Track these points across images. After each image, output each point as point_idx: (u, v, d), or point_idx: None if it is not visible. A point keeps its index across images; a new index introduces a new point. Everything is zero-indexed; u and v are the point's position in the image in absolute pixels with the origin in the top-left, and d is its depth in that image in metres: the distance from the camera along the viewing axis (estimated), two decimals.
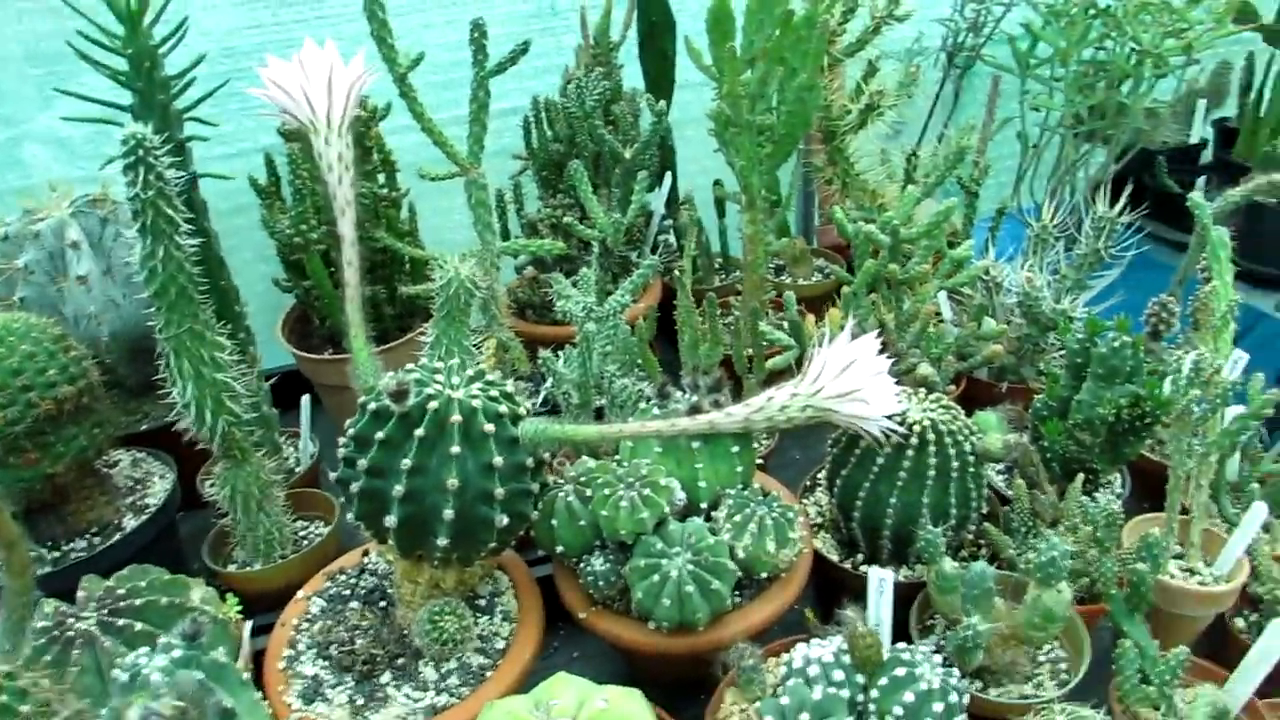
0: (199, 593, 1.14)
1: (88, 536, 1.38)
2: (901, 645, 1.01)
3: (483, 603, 1.21)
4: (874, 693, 0.95)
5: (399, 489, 1.02)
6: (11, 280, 1.48)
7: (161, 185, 1.14)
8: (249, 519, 1.39)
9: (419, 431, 1.02)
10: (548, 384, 1.48)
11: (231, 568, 1.42)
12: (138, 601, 1.06)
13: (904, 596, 1.19)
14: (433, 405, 1.04)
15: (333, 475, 1.09)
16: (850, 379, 1.12)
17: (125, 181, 1.13)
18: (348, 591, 1.24)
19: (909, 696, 0.93)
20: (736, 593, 1.16)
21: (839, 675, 0.97)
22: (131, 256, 1.19)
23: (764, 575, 1.14)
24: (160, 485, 1.46)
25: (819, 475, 1.41)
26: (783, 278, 1.99)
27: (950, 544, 1.25)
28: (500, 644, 1.15)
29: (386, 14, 1.39)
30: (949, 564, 1.12)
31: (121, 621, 1.03)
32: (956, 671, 0.98)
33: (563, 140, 1.73)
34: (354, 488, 1.06)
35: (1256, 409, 1.17)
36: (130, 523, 1.39)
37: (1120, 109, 1.98)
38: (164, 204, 1.15)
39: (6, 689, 0.83)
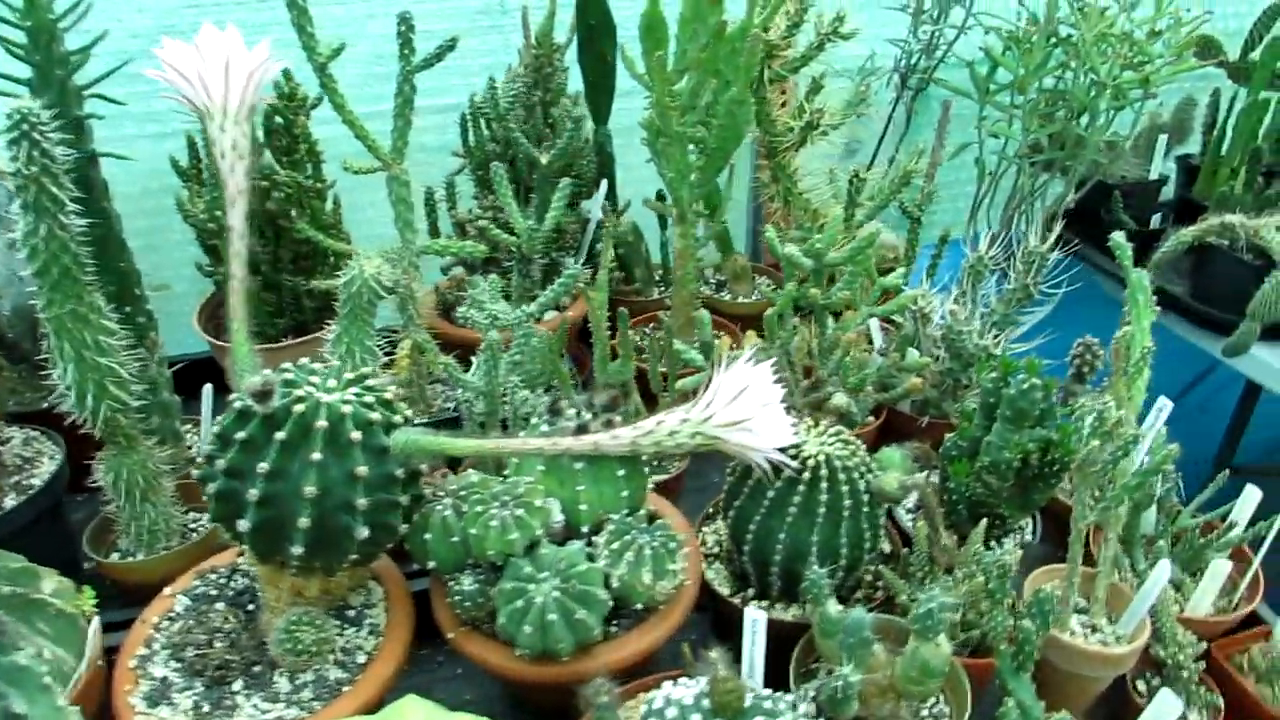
0: (51, 584, 1.10)
1: None
2: (767, 692, 0.97)
3: (352, 613, 1.17)
4: None
5: (254, 492, 0.98)
6: None
7: (47, 162, 1.09)
8: (133, 508, 1.35)
9: (280, 435, 0.98)
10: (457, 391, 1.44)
11: (114, 556, 1.38)
12: None
13: (791, 637, 1.15)
14: (298, 408, 1.00)
15: (193, 473, 1.05)
16: (741, 407, 1.08)
17: (9, 157, 1.09)
18: (215, 592, 1.19)
19: None
20: (615, 623, 1.13)
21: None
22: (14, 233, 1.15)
23: (639, 606, 1.10)
24: (48, 466, 1.42)
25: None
26: (723, 294, 1.95)
27: (844, 585, 1.22)
28: (362, 659, 1.11)
29: (307, 2, 1.35)
30: (833, 607, 1.08)
31: None
32: None
33: (498, 141, 1.69)
34: (210, 488, 1.01)
35: (1157, 463, 1.13)
36: (9, 502, 1.35)
37: (1078, 140, 1.95)
38: (49, 181, 1.10)
39: None
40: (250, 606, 1.17)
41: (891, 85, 1.98)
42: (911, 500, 1.41)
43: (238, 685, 1.08)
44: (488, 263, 1.68)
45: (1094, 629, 1.24)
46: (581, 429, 1.12)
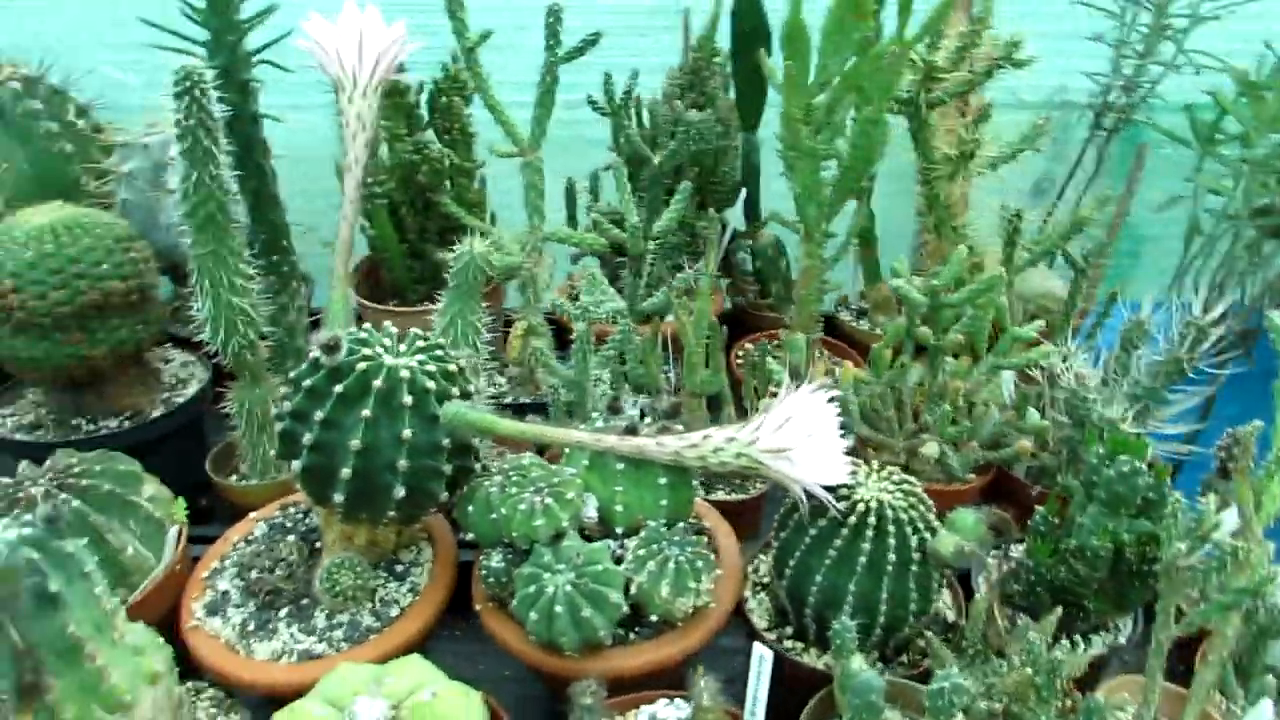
0: (150, 489, 1.23)
1: (120, 418, 1.52)
2: None
3: (400, 569, 1.23)
4: None
5: (308, 437, 1.06)
6: (120, 183, 1.65)
7: (204, 117, 1.22)
8: (252, 437, 1.48)
9: (338, 387, 1.05)
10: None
11: (233, 478, 1.53)
12: (84, 482, 1.15)
13: (816, 685, 1.10)
14: (361, 366, 1.06)
15: (273, 411, 1.14)
16: (787, 435, 1.04)
17: (172, 110, 1.23)
18: (290, 524, 1.29)
19: None
20: (636, 629, 1.12)
21: None
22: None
23: (655, 618, 1.09)
24: (194, 388, 1.59)
25: None
26: (862, 322, 1.87)
27: (885, 643, 1.14)
28: (395, 612, 1.16)
29: None
30: (857, 662, 1.02)
31: (62, 496, 1.13)
32: None
33: (647, 139, 1.71)
34: (278, 426, 1.10)
35: (1257, 583, 0.97)
36: (155, 413, 1.52)
37: None
38: (203, 134, 1.23)
39: None
40: (317, 544, 1.26)
41: (1081, 121, 1.81)
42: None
43: (283, 612, 1.16)
44: (620, 260, 1.70)
45: None
46: (630, 430, 1.12)
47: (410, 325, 1.15)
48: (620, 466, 1.11)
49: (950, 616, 1.23)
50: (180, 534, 1.22)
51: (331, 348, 1.06)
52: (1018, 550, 1.32)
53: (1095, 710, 0.95)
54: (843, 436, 1.09)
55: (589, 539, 1.11)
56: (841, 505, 1.08)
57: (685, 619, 1.10)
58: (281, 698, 0.99)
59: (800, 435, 1.04)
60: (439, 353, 1.13)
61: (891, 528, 1.07)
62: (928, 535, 1.09)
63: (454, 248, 1.25)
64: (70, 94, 1.74)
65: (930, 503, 1.12)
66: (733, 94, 1.74)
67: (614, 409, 1.17)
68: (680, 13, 1.83)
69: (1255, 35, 1.72)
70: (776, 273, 1.82)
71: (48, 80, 1.71)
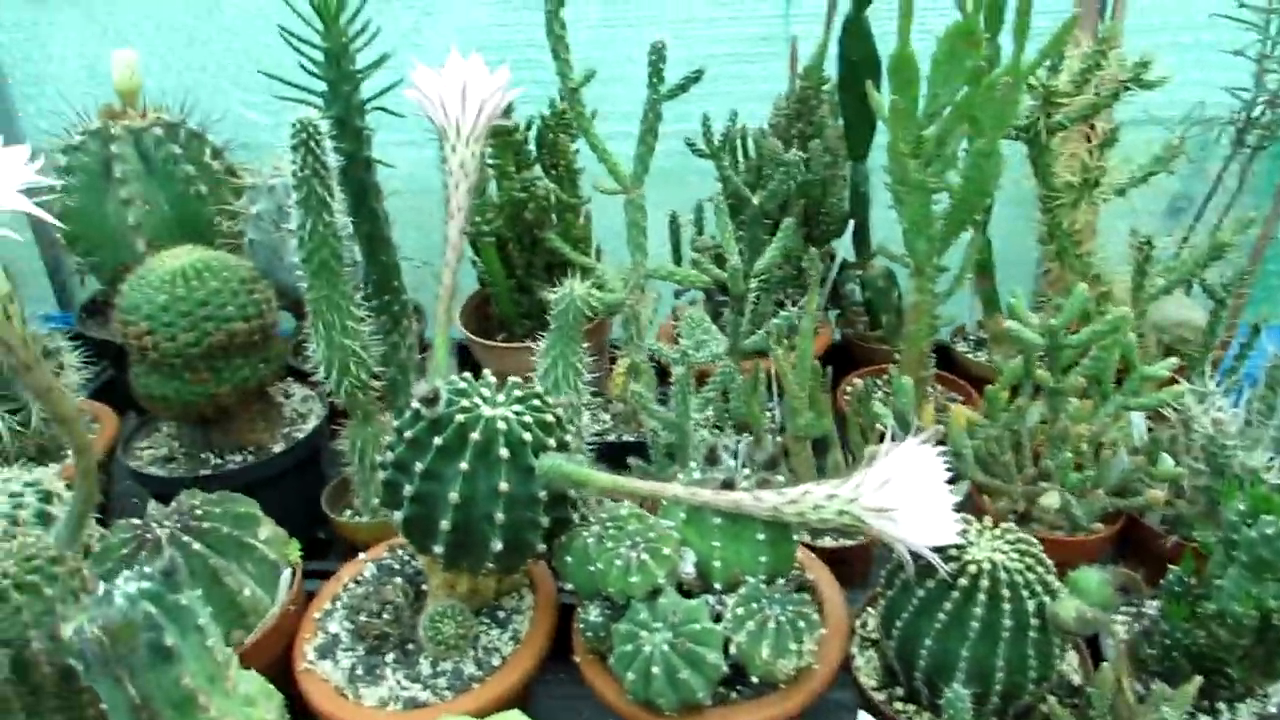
0: (267, 531, 1.27)
1: (244, 452, 1.59)
2: None
3: (502, 615, 1.24)
4: None
5: (409, 489, 1.07)
6: (247, 223, 1.73)
7: (319, 166, 1.26)
8: (364, 474, 1.52)
9: (438, 439, 1.06)
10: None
11: (346, 513, 1.57)
12: (205, 525, 1.20)
13: None
14: (460, 418, 1.07)
15: (377, 458, 1.17)
16: (891, 494, 1.00)
17: (289, 161, 1.28)
18: (398, 566, 1.32)
19: None
20: (737, 688, 1.09)
21: None
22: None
23: (756, 679, 1.06)
24: (313, 423, 1.64)
25: None
26: (979, 354, 1.79)
27: (1003, 712, 1.08)
28: (496, 661, 1.17)
29: (565, 30, 1.43)
30: None
31: (184, 538, 1.18)
32: None
33: (752, 171, 1.68)
34: (381, 475, 1.12)
35: None
36: (276, 448, 1.58)
37: None
38: (318, 183, 1.27)
39: (43, 570, 0.99)
40: (423, 586, 1.28)
41: (1221, 139, 1.68)
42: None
43: (390, 657, 1.19)
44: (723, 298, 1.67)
45: None
46: (727, 484, 1.09)
47: (517, 359, 1.16)
48: (718, 521, 1.09)
49: (1076, 680, 1.16)
50: (295, 574, 1.26)
51: (431, 400, 1.07)
52: (1152, 607, 1.23)
53: None
54: (955, 483, 1.03)
55: (688, 594, 1.09)
56: (951, 566, 1.03)
57: (788, 679, 1.06)
58: None
59: (905, 492, 1.00)
60: (536, 402, 1.13)
61: (1006, 591, 1.01)
62: (1047, 599, 1.03)
63: (557, 286, 1.26)
64: (207, 136, 1.83)
65: (1050, 563, 1.06)
66: (841, 122, 1.69)
67: (711, 459, 1.15)
68: (788, 40, 1.80)
69: None
70: (888, 304, 1.76)
71: (187, 124, 1.81)
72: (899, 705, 1.13)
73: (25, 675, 0.97)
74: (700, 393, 1.37)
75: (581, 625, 1.11)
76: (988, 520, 1.08)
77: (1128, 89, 1.38)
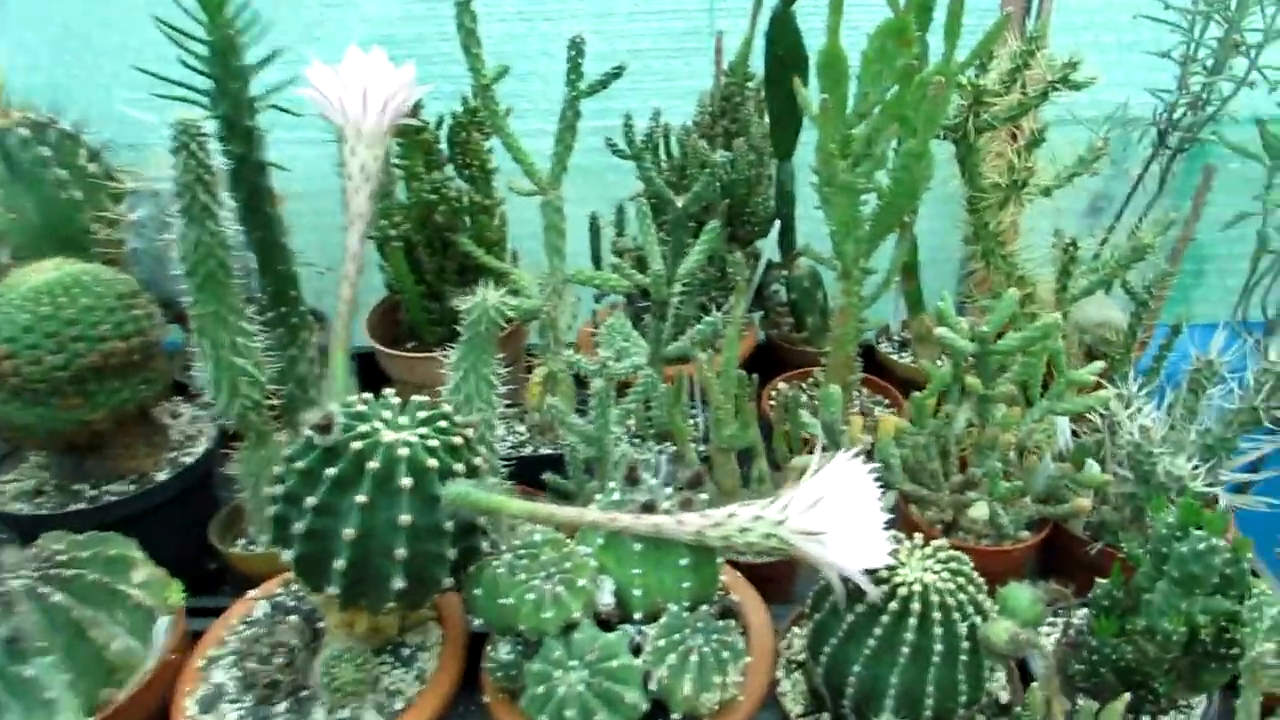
0: (143, 573, 1.16)
1: (125, 481, 1.46)
2: None
3: (406, 652, 1.15)
4: None
5: (299, 525, 0.98)
6: (129, 230, 1.60)
7: (201, 171, 1.16)
8: (258, 501, 1.41)
9: (331, 470, 0.97)
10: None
11: (240, 544, 1.46)
12: (68, 573, 1.08)
13: None
14: (355, 445, 0.98)
15: (265, 490, 1.07)
16: (820, 517, 0.94)
17: (170, 165, 1.17)
18: (293, 603, 1.22)
19: None
20: None
21: None
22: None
23: (677, 717, 0.99)
24: (203, 446, 1.53)
25: None
26: (903, 355, 1.76)
27: None
28: (400, 705, 1.08)
29: (476, 24, 1.35)
30: None
31: (43, 589, 1.06)
32: None
33: (676, 170, 1.61)
34: (268, 510, 1.03)
35: None
36: (161, 475, 1.46)
37: None
38: (201, 190, 1.17)
39: None
40: (320, 624, 1.18)
41: (1148, 140, 1.68)
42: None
43: (282, 707, 1.09)
44: (645, 302, 1.61)
45: None
46: (648, 507, 1.03)
47: (427, 369, 1.07)
48: (638, 546, 1.02)
49: (1004, 697, 1.12)
50: (177, 621, 1.15)
51: (324, 428, 0.98)
52: (1079, 616, 1.20)
53: None
54: (883, 491, 0.98)
55: (606, 624, 1.02)
56: (882, 589, 0.98)
57: (711, 713, 1.00)
58: None
59: (835, 512, 0.94)
60: (443, 423, 1.04)
61: (938, 614, 0.97)
62: (978, 620, 0.98)
63: (469, 294, 1.18)
64: (82, 138, 1.69)
65: (981, 582, 1.02)
66: (766, 120, 1.64)
67: (631, 479, 1.08)
68: (713, 35, 1.73)
69: None
70: (813, 305, 1.72)
71: (59, 124, 1.66)
72: None
73: None
74: (621, 403, 1.30)
75: (491, 665, 1.04)
76: (919, 538, 1.03)
77: (1056, 89, 1.35)
